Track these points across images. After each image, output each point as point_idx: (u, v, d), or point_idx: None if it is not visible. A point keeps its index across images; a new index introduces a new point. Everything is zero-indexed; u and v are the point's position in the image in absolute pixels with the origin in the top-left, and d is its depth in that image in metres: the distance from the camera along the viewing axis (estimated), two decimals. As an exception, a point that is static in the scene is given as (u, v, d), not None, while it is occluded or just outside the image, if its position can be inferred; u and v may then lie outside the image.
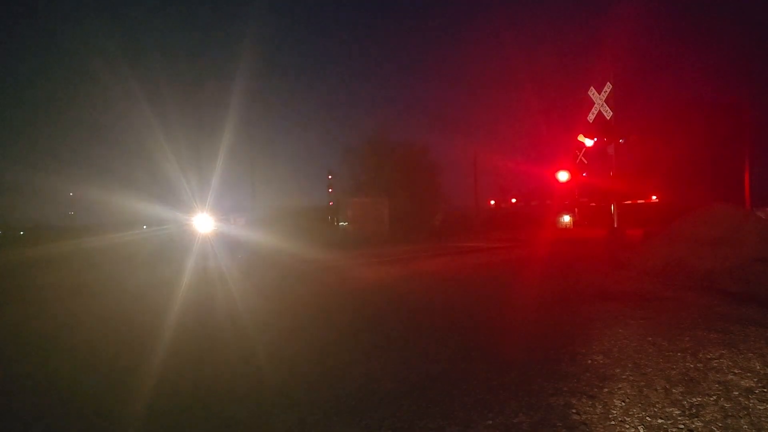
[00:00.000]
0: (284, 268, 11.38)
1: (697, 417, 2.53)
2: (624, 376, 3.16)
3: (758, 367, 3.25)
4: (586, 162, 15.73)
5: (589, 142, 14.34)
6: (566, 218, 31.83)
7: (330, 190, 27.32)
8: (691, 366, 3.32)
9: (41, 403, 3.23)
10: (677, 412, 2.59)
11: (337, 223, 25.57)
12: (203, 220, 17.66)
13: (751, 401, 2.70)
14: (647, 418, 2.54)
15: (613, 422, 2.50)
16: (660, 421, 2.50)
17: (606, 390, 2.94)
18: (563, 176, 18.02)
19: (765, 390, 2.85)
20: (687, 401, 2.73)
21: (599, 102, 13.19)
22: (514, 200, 39.71)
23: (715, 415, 2.54)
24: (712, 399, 2.75)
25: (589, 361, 3.50)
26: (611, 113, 12.95)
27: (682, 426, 2.44)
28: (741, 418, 2.50)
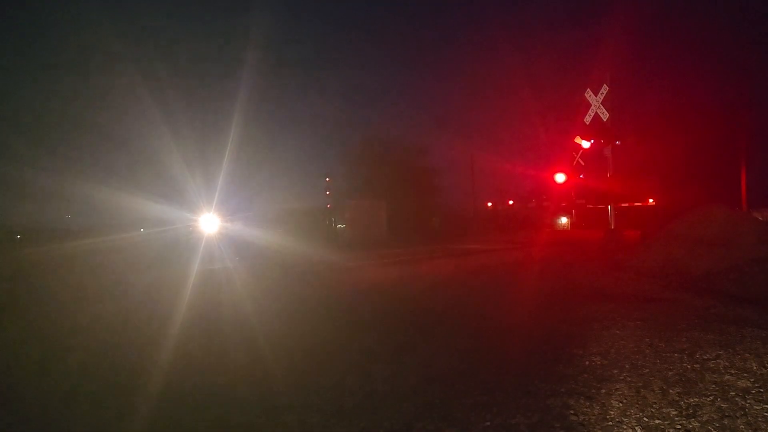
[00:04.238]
0: (285, 268, 11.37)
1: (694, 417, 2.54)
2: (621, 377, 3.17)
3: (755, 368, 3.26)
4: (583, 164, 15.75)
5: (585, 144, 14.39)
6: (564, 220, 31.93)
7: (327, 193, 27.35)
8: (688, 367, 3.33)
9: (43, 404, 3.22)
10: (674, 413, 2.60)
11: (335, 225, 25.56)
12: (209, 221, 17.72)
13: (748, 401, 2.71)
14: (644, 418, 2.54)
15: (610, 423, 2.51)
16: (657, 421, 2.51)
17: (603, 391, 2.95)
18: (560, 178, 18.09)
19: (762, 390, 2.86)
20: (684, 402, 2.74)
21: (596, 104, 13.23)
22: (511, 202, 39.81)
23: (712, 415, 2.55)
24: (709, 399, 2.76)
25: (587, 362, 3.51)
26: (608, 115, 12.99)
27: (680, 426, 2.44)
28: (738, 418, 2.51)
